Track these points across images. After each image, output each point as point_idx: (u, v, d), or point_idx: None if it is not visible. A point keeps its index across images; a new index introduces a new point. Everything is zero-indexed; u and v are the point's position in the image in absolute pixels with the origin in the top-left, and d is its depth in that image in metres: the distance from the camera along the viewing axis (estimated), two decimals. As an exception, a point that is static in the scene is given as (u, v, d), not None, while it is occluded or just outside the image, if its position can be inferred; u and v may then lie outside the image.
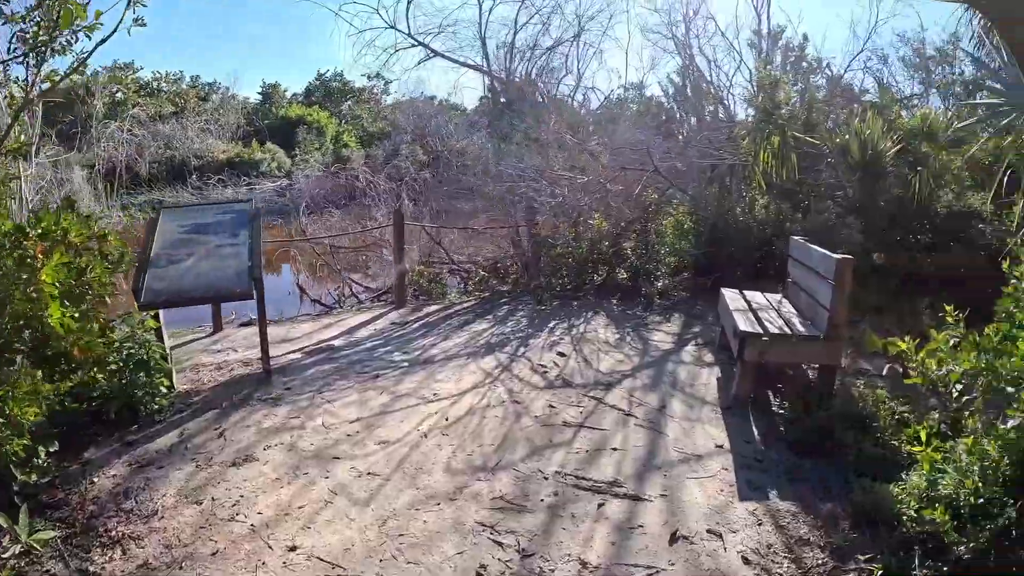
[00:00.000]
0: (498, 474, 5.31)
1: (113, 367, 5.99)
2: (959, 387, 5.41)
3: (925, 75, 17.69)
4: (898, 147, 10.76)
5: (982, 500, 4.20)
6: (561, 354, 8.24)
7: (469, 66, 15.22)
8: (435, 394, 6.93)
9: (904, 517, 4.44)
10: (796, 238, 8.24)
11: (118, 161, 27.18)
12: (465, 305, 10.88)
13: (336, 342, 8.84)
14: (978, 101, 6.29)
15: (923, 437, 5.15)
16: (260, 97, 43.81)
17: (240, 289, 6.74)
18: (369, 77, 40.82)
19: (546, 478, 5.26)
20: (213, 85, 41.93)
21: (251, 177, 31.00)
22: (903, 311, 9.73)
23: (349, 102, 45.31)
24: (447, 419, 6.32)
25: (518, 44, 15.13)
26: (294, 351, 8.48)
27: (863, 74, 18.11)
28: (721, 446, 5.89)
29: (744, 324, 6.79)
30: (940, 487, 4.41)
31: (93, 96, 29.86)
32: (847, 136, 11.08)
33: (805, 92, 13.54)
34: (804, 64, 17.89)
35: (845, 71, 16.93)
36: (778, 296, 8.36)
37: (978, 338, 5.68)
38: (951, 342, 5.66)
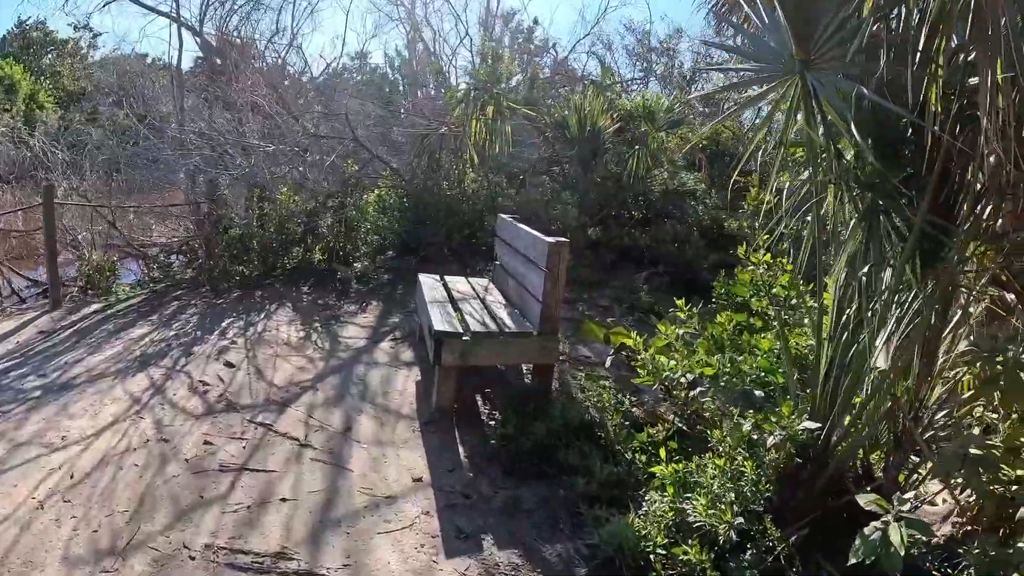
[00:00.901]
0: (131, 558, 3.78)
1: None
2: (687, 379, 4.72)
3: (647, 64, 18.03)
4: (617, 125, 10.73)
5: (743, 529, 3.57)
6: (229, 364, 6.67)
7: (159, 12, 13.10)
8: (64, 437, 5.16)
9: (652, 557, 3.58)
10: (504, 216, 7.18)
11: None
12: (132, 302, 8.86)
13: (-39, 364, 6.87)
14: (731, 67, 5.63)
15: (662, 453, 4.35)
16: (-53, 46, 37.98)
17: None
18: (76, 28, 37.08)
19: (192, 557, 3.81)
20: None
21: (-80, 146, 26.70)
22: (620, 285, 9.27)
23: (50, 56, 40.31)
24: (73, 475, 4.64)
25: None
26: None
27: (587, 57, 18.19)
28: (420, 479, 4.73)
29: (440, 321, 5.64)
30: (691, 516, 3.66)
31: None
32: (566, 111, 10.71)
33: (528, 68, 12.91)
34: (532, 46, 17.51)
35: (570, 53, 16.64)
36: (485, 281, 7.33)
37: (712, 330, 5.00)
38: (680, 334, 4.94)
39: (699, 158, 11.21)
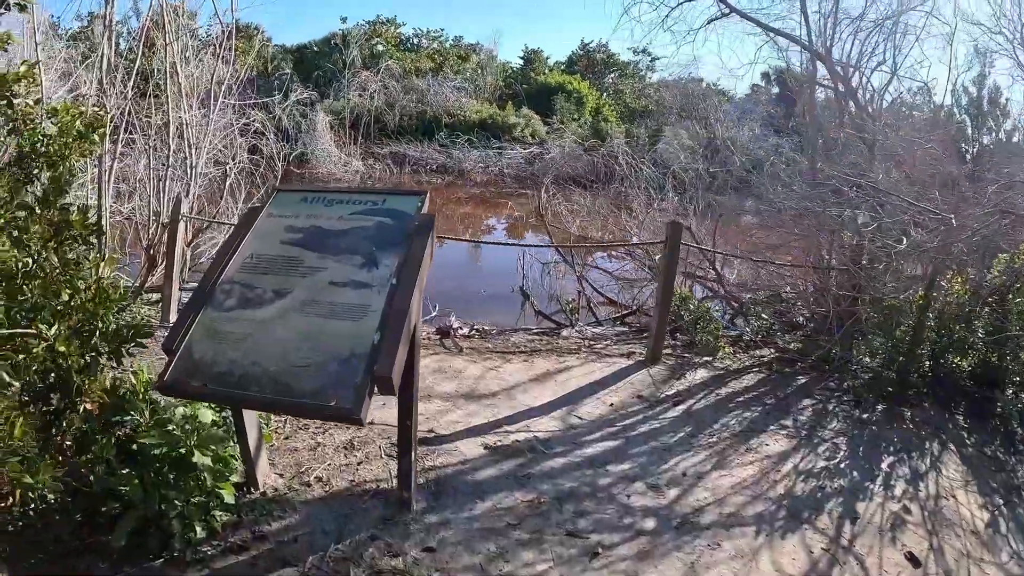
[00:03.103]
0: None
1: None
2: None
3: None
4: None
5: None
6: (912, 559, 3.93)
7: (781, 33, 10.69)
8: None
9: None
10: None
11: (365, 111, 25.72)
12: (745, 380, 6.47)
13: (545, 426, 5.14)
14: None
15: None
16: (521, 62, 41.05)
17: (337, 400, 2.75)
18: (635, 52, 38.41)
19: None
20: (475, 46, 39.17)
21: (501, 140, 28.08)
22: None
23: (612, 75, 41.71)
24: None
25: (843, 9, 10.59)
26: (474, 429, 4.99)
27: None
28: None
29: None
30: None
31: (348, 46, 28.52)
32: None
33: None
34: None
35: None
36: None
37: None
38: None
39: None
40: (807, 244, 7.73)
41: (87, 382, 2.88)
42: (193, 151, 8.42)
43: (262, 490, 3.90)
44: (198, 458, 3.27)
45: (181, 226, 7.16)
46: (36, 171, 3.07)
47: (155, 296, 7.88)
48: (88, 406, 2.89)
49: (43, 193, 2.90)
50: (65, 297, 2.76)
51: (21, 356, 2.64)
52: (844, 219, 6.83)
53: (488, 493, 4.10)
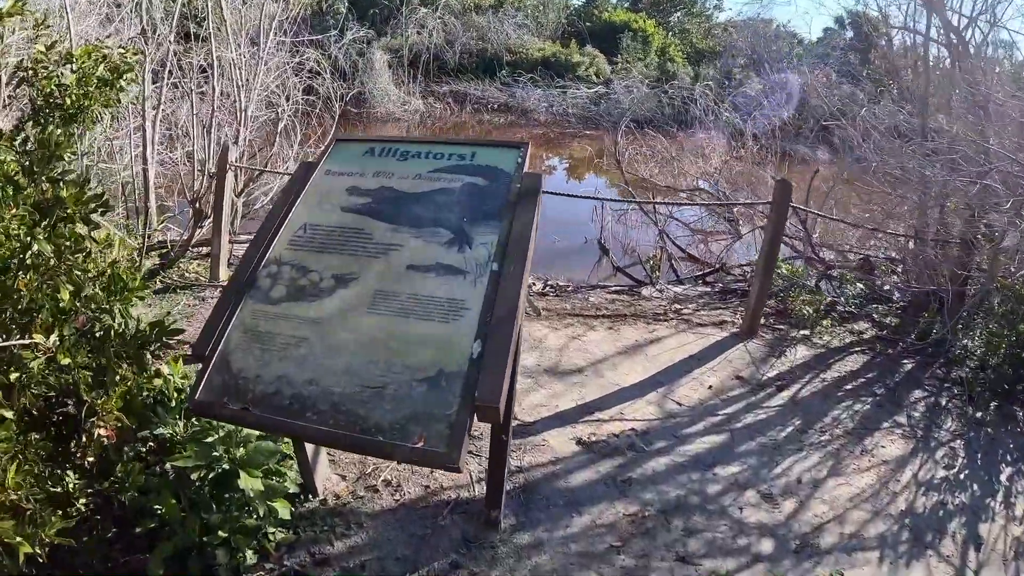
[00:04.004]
0: None
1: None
2: None
3: None
4: None
5: None
6: None
7: None
8: None
9: None
10: None
11: (424, 48, 24.95)
12: (849, 363, 5.61)
13: (641, 413, 4.47)
14: None
15: None
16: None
17: (424, 439, 1.99)
18: None
19: None
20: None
21: (565, 79, 26.99)
22: None
23: (679, 14, 40.20)
24: None
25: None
26: (562, 416, 4.36)
27: None
28: None
29: None
30: None
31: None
32: None
33: None
34: None
35: None
36: None
37: None
38: None
39: None
40: (919, 211, 6.86)
41: (99, 401, 2.25)
42: (242, 93, 7.76)
43: (322, 497, 3.33)
44: (244, 481, 2.67)
45: (229, 176, 6.55)
46: (53, 128, 2.46)
47: (205, 250, 7.37)
48: (102, 432, 2.28)
49: (28, 162, 2.24)
50: (66, 295, 2.12)
51: (15, 375, 2.03)
52: (968, 189, 5.96)
53: (585, 504, 3.48)
